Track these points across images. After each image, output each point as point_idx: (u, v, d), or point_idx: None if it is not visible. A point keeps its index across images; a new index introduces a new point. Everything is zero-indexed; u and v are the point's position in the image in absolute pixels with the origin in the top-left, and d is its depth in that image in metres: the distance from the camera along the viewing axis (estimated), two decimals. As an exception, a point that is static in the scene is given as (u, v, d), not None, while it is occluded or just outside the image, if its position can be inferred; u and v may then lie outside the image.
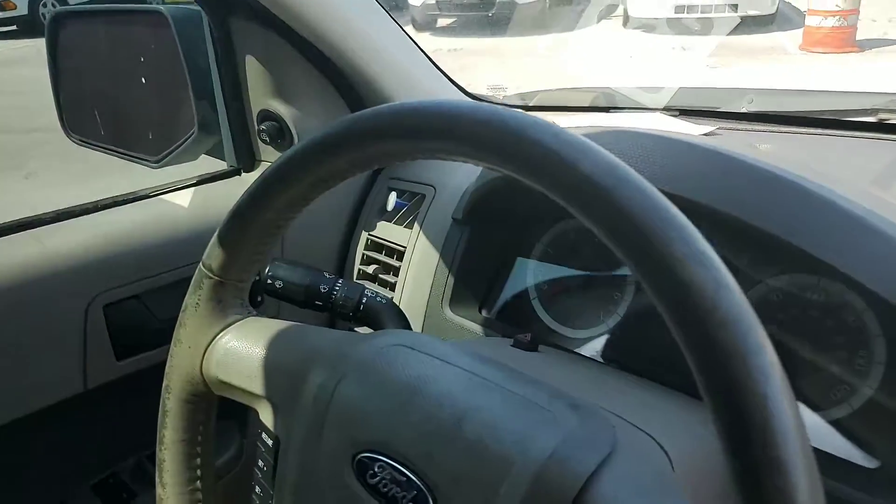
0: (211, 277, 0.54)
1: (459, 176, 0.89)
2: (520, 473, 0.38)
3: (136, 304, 0.80)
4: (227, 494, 0.60)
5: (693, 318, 0.30)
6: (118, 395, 0.83)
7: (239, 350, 0.54)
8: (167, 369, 0.57)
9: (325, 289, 0.67)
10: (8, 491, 0.78)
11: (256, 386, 0.53)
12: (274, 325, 0.56)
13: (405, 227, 0.92)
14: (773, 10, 7.31)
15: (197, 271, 0.55)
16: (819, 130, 0.87)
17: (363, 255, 0.97)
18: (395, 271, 0.92)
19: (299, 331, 0.56)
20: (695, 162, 0.63)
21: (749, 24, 6.91)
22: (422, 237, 0.89)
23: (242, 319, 0.57)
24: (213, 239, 0.53)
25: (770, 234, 0.57)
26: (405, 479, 0.43)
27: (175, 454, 0.57)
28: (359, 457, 0.45)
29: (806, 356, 0.62)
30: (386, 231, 0.95)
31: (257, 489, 0.54)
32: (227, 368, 0.54)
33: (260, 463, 0.54)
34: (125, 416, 0.86)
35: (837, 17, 6.02)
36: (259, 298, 0.89)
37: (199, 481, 0.58)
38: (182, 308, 0.56)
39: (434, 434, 0.42)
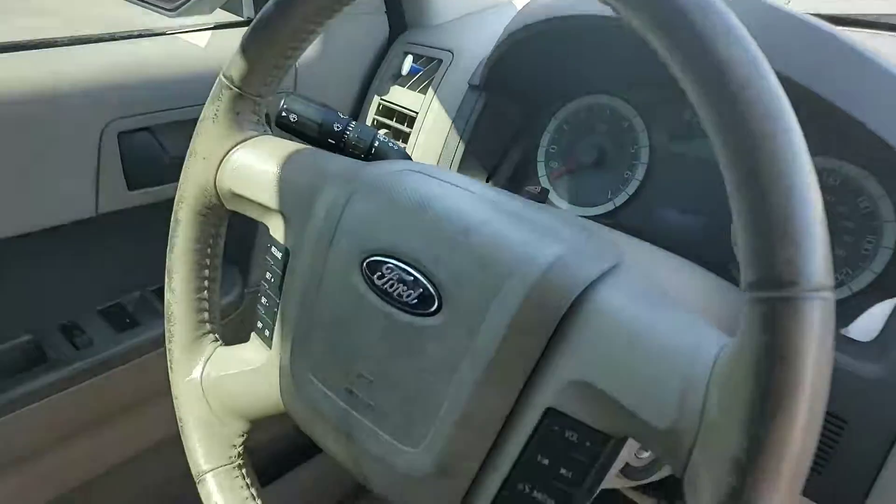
0: (231, 88, 0.54)
1: (479, 42, 0.89)
2: (522, 276, 0.40)
3: (148, 136, 0.80)
4: (224, 336, 0.62)
5: (723, 95, 0.30)
6: (128, 226, 0.85)
7: (254, 164, 0.55)
8: (181, 180, 0.58)
9: (338, 127, 0.67)
10: (16, 306, 0.80)
11: (269, 199, 0.55)
12: (289, 146, 0.57)
13: (419, 92, 0.92)
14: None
15: (217, 82, 0.55)
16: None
17: (374, 119, 0.97)
18: (406, 137, 0.92)
19: (313, 153, 0.57)
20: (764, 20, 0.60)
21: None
22: (435, 102, 0.89)
23: (259, 136, 0.57)
24: (236, 49, 0.53)
25: (817, 97, 0.56)
26: (412, 278, 0.44)
27: (185, 262, 0.59)
28: (367, 260, 0.47)
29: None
30: (399, 96, 0.94)
31: (263, 300, 0.56)
32: (240, 181, 0.56)
33: (268, 275, 0.56)
34: (133, 247, 0.88)
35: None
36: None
37: (205, 291, 0.60)
38: (199, 118, 0.57)
39: (442, 240, 0.44)
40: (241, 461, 0.58)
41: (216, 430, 0.58)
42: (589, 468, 0.38)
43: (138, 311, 0.87)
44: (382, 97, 0.97)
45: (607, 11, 0.43)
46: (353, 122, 0.68)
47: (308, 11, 0.49)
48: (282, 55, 0.53)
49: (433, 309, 0.43)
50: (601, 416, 0.37)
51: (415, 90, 0.92)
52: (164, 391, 0.88)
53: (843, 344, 0.59)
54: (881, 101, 0.56)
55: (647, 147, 0.80)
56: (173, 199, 0.59)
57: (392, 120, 0.95)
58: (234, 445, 0.58)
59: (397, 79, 0.96)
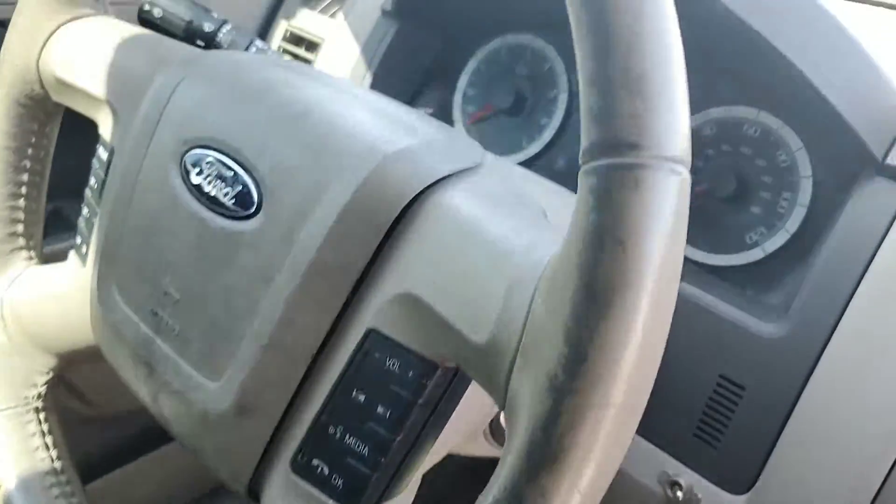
0: None
1: (397, -37, 0.80)
2: (357, 167, 0.32)
3: None
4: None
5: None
6: None
7: (84, 45, 0.46)
8: None
9: (210, 28, 0.58)
10: None
11: (98, 87, 0.45)
12: (129, 28, 0.47)
13: (329, 16, 0.83)
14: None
15: None
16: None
17: (280, 47, 0.87)
18: (311, 65, 0.83)
19: (156, 38, 0.48)
20: None
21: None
22: (345, 29, 0.80)
23: (96, 15, 0.48)
24: None
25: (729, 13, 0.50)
26: (232, 174, 0.36)
27: None
28: (187, 153, 0.38)
29: (730, 195, 0.58)
30: (308, 20, 0.85)
31: (84, 210, 0.47)
32: (67, 64, 0.46)
33: (91, 180, 0.47)
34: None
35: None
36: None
37: (22, 199, 0.50)
38: None
39: (272, 126, 0.36)
40: (39, 404, 0.48)
41: (13, 364, 0.48)
42: (410, 407, 0.30)
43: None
44: (290, 22, 0.87)
45: None
46: (228, 24, 0.59)
47: None
48: None
49: (251, 211, 0.35)
50: (426, 338, 0.29)
51: (325, 14, 0.83)
52: None
53: (746, 302, 0.53)
54: (811, 39, 0.50)
55: (566, 93, 0.73)
56: None
57: (301, 48, 0.86)
58: (35, 384, 0.49)
59: (307, 2, 0.86)
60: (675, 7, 0.22)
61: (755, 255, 0.57)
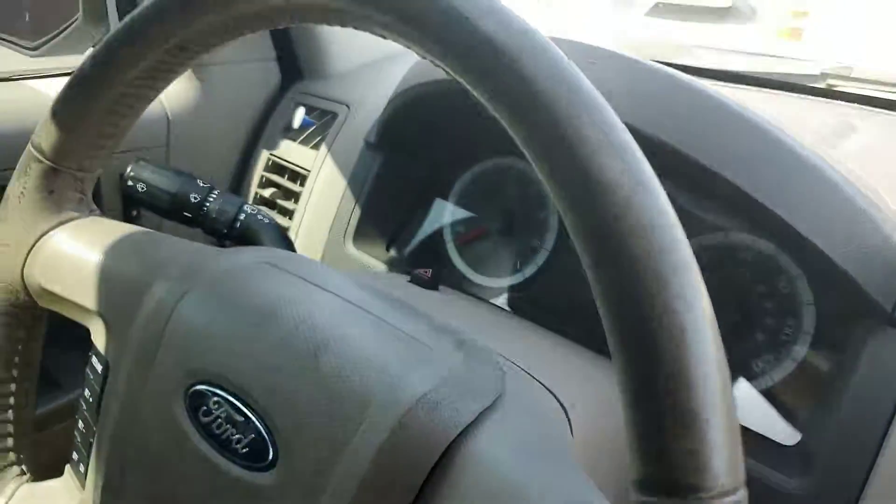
0: (41, 161, 0.43)
1: (378, 95, 0.80)
2: (381, 418, 0.31)
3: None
4: (56, 447, 0.50)
5: (599, 223, 0.23)
6: None
7: (70, 253, 0.44)
8: None
9: (196, 198, 0.57)
10: None
11: (87, 298, 0.43)
12: (120, 228, 0.46)
13: (311, 147, 0.82)
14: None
15: (25, 153, 0.44)
16: (767, 91, 0.82)
17: (262, 176, 0.86)
18: (297, 198, 0.82)
19: (150, 238, 0.46)
20: (642, 82, 0.56)
21: None
22: (329, 161, 0.79)
23: (80, 218, 0.47)
24: (47, 113, 0.43)
25: (715, 174, 0.51)
26: (243, 419, 0.34)
27: None
28: (192, 389, 0.37)
29: (731, 323, 0.57)
30: (289, 151, 0.84)
31: (80, 424, 0.45)
32: (52, 274, 0.44)
33: (86, 392, 0.45)
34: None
35: None
36: (134, 212, 0.78)
37: (9, 411, 0.48)
38: (3, 199, 0.46)
39: (283, 366, 0.34)
40: None
41: None
42: None
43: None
44: (272, 152, 0.87)
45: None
46: (216, 192, 0.58)
47: (136, 73, 0.40)
48: (107, 122, 0.42)
49: (268, 461, 0.33)
50: None
51: (307, 146, 0.83)
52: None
53: (765, 449, 0.52)
54: (774, 174, 0.50)
55: (557, 213, 0.72)
56: None
57: (283, 177, 0.85)
58: None
59: (289, 132, 0.86)
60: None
61: (763, 383, 0.57)
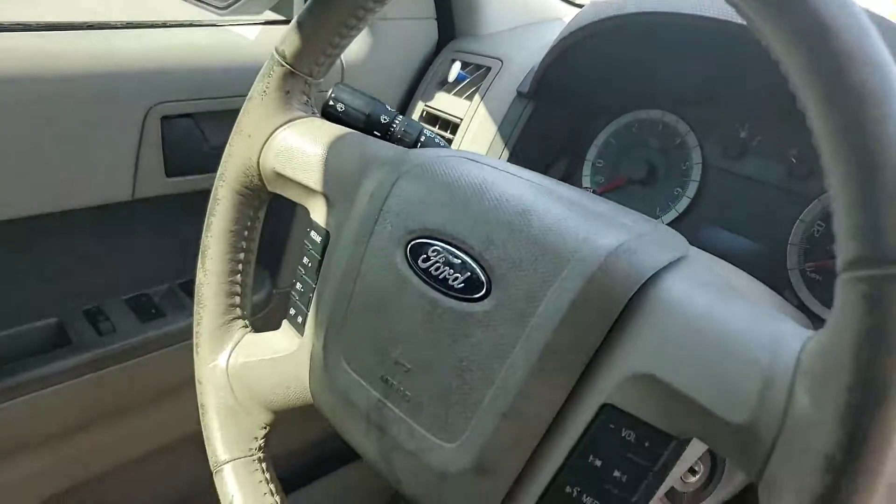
0: (283, 65, 0.53)
1: (529, 51, 0.87)
2: (583, 261, 0.37)
3: (190, 123, 0.79)
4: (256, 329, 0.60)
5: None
6: (161, 215, 0.84)
7: (300, 145, 0.54)
8: (223, 158, 0.57)
9: (385, 119, 0.65)
10: (43, 285, 0.79)
11: (313, 181, 0.53)
12: (337, 129, 0.55)
13: (465, 98, 0.90)
14: None
15: (269, 58, 0.54)
16: None
17: (418, 125, 0.95)
18: (449, 144, 0.90)
19: (361, 137, 0.55)
20: None
21: None
22: (481, 110, 0.87)
23: (307, 117, 0.56)
24: (292, 24, 0.52)
25: None
26: (459, 262, 0.42)
27: (220, 242, 0.57)
28: (413, 242, 0.45)
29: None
30: (444, 102, 0.93)
31: (298, 286, 0.54)
32: (285, 161, 0.54)
33: (305, 260, 0.54)
34: (164, 238, 0.86)
35: None
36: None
37: (239, 275, 0.58)
38: (248, 96, 0.55)
39: (497, 222, 0.41)
40: (261, 454, 0.55)
41: (238, 420, 0.55)
42: (646, 472, 0.34)
43: (164, 303, 0.85)
44: (427, 103, 0.95)
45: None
46: (401, 116, 0.67)
47: None
48: (337, 33, 0.51)
49: (481, 294, 0.41)
50: (664, 413, 0.34)
51: (461, 97, 0.91)
52: (186, 385, 0.86)
53: None
54: None
55: (699, 164, 0.77)
56: (209, 190, 0.57)
57: (436, 126, 0.93)
58: (256, 437, 0.55)
59: (443, 85, 0.94)
60: None
61: None
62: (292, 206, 0.93)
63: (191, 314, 0.79)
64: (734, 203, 0.74)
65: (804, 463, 0.26)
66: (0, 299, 0.77)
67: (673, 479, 0.42)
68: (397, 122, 0.66)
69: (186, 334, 0.81)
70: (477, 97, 0.88)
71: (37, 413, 0.73)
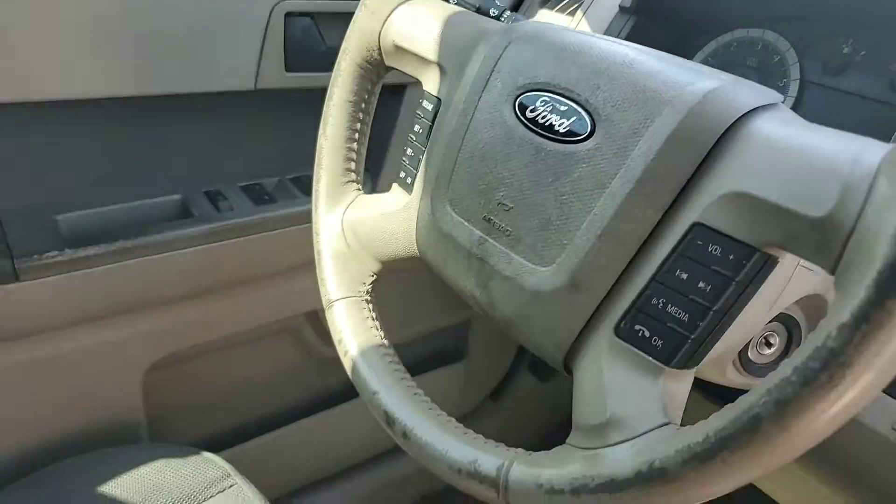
0: None
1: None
2: (680, 102, 0.41)
3: (310, 22, 0.85)
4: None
5: None
6: (278, 110, 0.91)
7: (417, 19, 0.59)
8: (347, 33, 0.62)
9: (494, 13, 0.69)
10: (167, 165, 0.87)
11: (429, 51, 0.57)
12: (452, 7, 0.60)
13: (567, 14, 0.93)
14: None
15: None
16: None
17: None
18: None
19: (474, 14, 0.59)
20: None
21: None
22: (583, 25, 0.90)
23: None
24: None
25: None
26: (566, 108, 0.46)
27: (340, 111, 0.63)
28: (521, 96, 0.49)
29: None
30: (546, 18, 0.96)
31: (408, 151, 0.59)
32: (403, 35, 0.59)
33: (416, 127, 0.59)
34: (280, 132, 0.94)
35: None
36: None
37: (354, 143, 0.64)
38: None
39: (602, 71, 0.45)
40: (368, 297, 0.61)
41: (349, 266, 0.61)
42: (728, 282, 0.38)
43: (276, 192, 0.93)
44: (531, 19, 0.98)
45: None
46: (509, 11, 0.70)
47: None
48: None
49: (584, 136, 0.45)
50: (749, 225, 0.37)
51: (563, 13, 0.94)
52: (294, 269, 0.94)
53: None
54: None
55: (797, 80, 0.77)
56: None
57: (535, 45, 0.97)
58: (364, 283, 0.61)
59: (546, 2, 0.97)
60: None
61: None
62: (393, 121, 0.99)
63: (302, 203, 0.86)
64: (831, 118, 0.75)
65: (880, 239, 0.29)
66: (128, 172, 0.86)
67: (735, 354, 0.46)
68: (506, 15, 0.70)
69: (298, 219, 0.89)
70: (579, 13, 0.91)
71: (155, 275, 0.82)
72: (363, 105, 0.63)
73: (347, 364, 0.56)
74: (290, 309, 0.98)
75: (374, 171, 1.01)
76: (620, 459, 0.37)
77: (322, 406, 1.11)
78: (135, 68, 0.77)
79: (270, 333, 1.01)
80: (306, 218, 0.89)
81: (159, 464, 0.79)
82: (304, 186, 0.94)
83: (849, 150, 0.34)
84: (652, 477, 0.35)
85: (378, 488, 1.25)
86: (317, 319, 1.03)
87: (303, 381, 1.10)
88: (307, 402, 1.11)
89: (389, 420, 0.50)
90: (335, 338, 0.59)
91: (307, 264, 0.90)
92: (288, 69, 0.86)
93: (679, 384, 0.41)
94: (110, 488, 0.76)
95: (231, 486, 0.77)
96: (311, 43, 0.86)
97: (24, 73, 0.70)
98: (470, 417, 1.37)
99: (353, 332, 0.58)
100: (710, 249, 0.38)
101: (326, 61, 0.87)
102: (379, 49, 0.61)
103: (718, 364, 0.51)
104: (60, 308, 0.75)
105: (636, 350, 0.41)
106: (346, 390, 1.14)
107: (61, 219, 0.79)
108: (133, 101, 0.79)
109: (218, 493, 0.77)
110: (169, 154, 0.88)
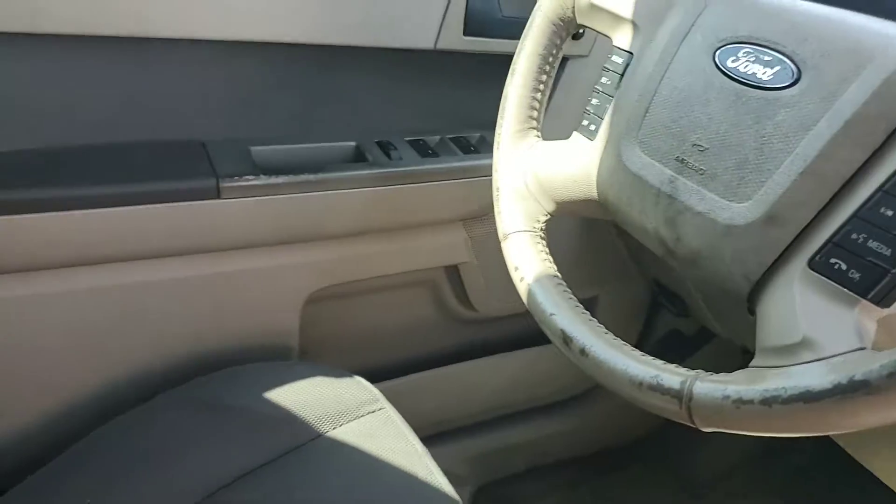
0: None
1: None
2: (884, 61, 0.42)
3: (492, -11, 0.91)
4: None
5: None
6: (458, 72, 0.97)
7: None
8: None
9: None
10: (345, 114, 0.95)
11: (625, 8, 0.61)
12: None
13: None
14: None
15: None
16: None
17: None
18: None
19: None
20: None
21: None
22: None
23: None
24: None
25: None
26: (769, 58, 0.49)
27: (529, 62, 0.67)
28: (721, 49, 0.52)
29: None
30: None
31: (594, 101, 0.63)
32: None
33: (603, 79, 0.63)
34: (450, 93, 1.00)
35: None
36: None
37: (539, 94, 0.68)
38: None
39: (811, 24, 0.48)
40: (542, 233, 0.66)
41: (526, 203, 0.66)
42: None
43: (438, 148, 0.99)
44: None
45: None
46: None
47: None
48: None
49: (789, 83, 0.47)
50: None
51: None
52: (448, 223, 0.99)
53: None
54: None
55: None
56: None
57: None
58: (539, 220, 0.66)
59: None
60: None
61: None
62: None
63: (465, 160, 0.91)
64: None
65: None
66: (311, 116, 0.94)
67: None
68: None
69: (461, 173, 0.95)
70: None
71: (329, 210, 0.90)
72: (550, 59, 0.68)
73: (523, 289, 0.61)
74: (433, 260, 1.04)
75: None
76: (817, 373, 0.39)
77: (453, 360, 1.17)
78: (327, 17, 0.84)
79: (413, 283, 1.08)
80: (465, 174, 0.95)
81: (314, 380, 0.86)
82: (463, 146, 0.99)
83: None
84: (853, 388, 0.36)
85: (497, 450, 1.30)
86: (455, 275, 1.09)
87: (436, 334, 1.16)
88: (439, 355, 1.18)
89: (566, 339, 0.54)
90: (510, 266, 0.63)
91: (456, 220, 0.96)
92: (466, 33, 0.91)
93: (873, 324, 0.42)
94: (264, 398, 0.83)
95: (380, 408, 0.84)
96: (490, 10, 0.92)
97: (228, 14, 0.79)
98: (581, 398, 1.39)
99: (529, 260, 0.62)
100: None
101: (502, 29, 0.93)
102: (573, 7, 0.65)
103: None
104: (252, 227, 0.84)
105: (830, 281, 0.43)
106: (474, 350, 1.20)
107: (254, 150, 0.88)
108: (321, 49, 0.87)
109: (368, 413, 0.83)
110: (347, 103, 0.96)
